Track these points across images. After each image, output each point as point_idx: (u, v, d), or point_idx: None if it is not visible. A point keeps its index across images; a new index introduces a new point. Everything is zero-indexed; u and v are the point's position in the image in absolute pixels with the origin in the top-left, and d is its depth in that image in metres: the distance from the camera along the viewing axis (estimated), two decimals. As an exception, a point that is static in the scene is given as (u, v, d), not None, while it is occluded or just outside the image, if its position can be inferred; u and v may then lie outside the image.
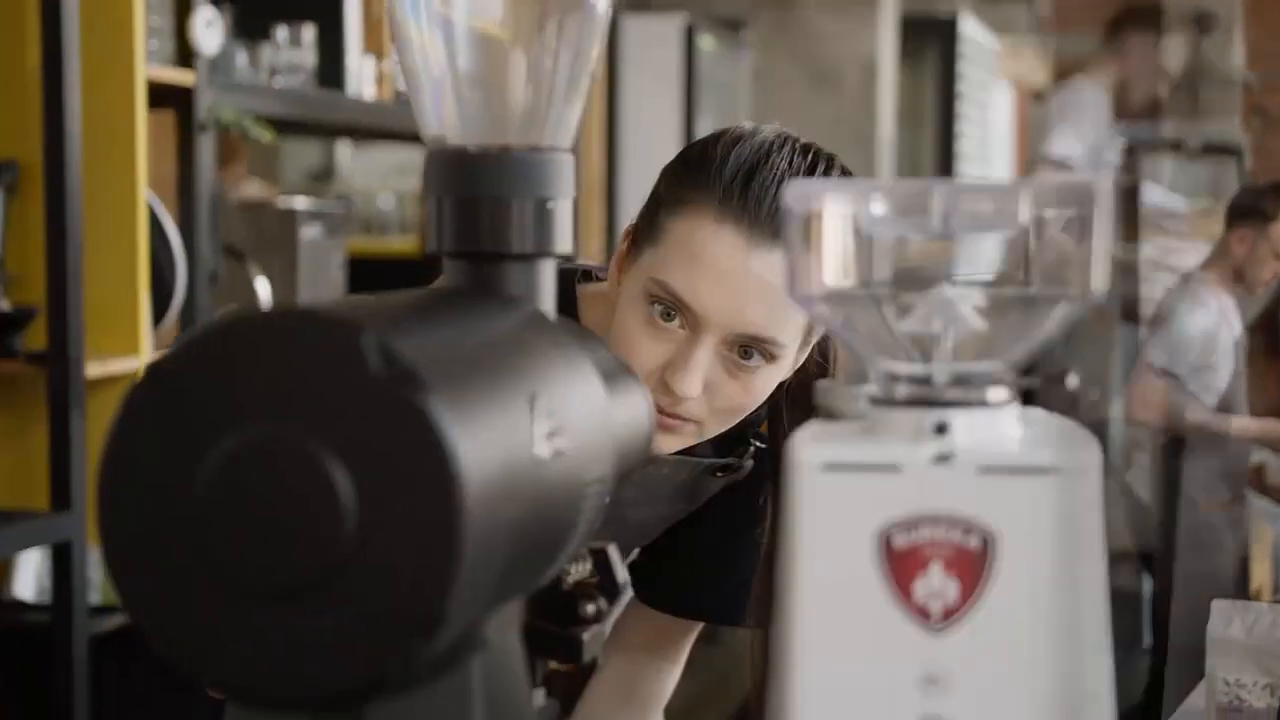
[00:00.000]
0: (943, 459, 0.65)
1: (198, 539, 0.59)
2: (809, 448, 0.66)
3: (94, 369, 2.40)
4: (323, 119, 3.32)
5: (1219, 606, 1.88)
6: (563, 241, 0.77)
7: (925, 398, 0.67)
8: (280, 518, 0.58)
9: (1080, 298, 0.65)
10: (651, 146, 4.53)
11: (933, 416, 0.66)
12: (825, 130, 5.63)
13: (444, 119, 0.77)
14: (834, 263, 0.68)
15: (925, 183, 0.67)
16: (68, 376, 2.30)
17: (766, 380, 1.26)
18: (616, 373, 0.81)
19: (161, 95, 2.66)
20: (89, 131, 2.40)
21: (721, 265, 1.21)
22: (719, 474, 1.40)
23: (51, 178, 2.32)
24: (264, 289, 2.97)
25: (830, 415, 0.74)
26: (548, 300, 0.77)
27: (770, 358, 1.24)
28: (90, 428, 2.38)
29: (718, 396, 1.25)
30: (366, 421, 0.58)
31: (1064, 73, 8.64)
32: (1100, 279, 0.64)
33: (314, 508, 0.58)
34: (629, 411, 0.81)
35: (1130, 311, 4.73)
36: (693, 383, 1.22)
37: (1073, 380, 3.37)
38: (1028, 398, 0.71)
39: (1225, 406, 4.38)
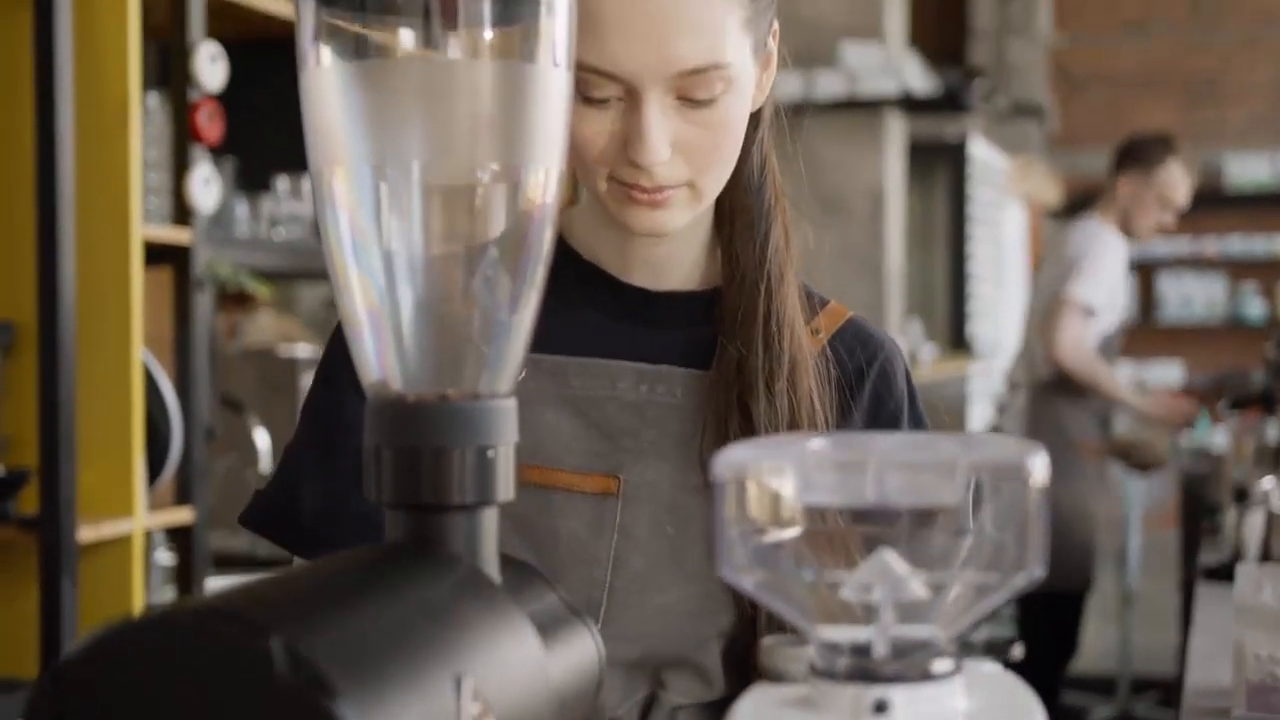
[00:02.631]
0: (881, 741, 0.63)
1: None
2: (744, 726, 0.64)
3: (87, 533, 2.39)
4: (322, 270, 3.33)
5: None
6: (505, 489, 0.75)
7: (865, 671, 0.65)
8: (185, 828, 0.56)
9: (1019, 576, 0.63)
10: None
11: (872, 694, 0.64)
12: (833, 259, 5.65)
13: (384, 366, 0.76)
14: (766, 531, 0.66)
15: (861, 452, 0.65)
16: (59, 544, 2.28)
17: (733, 110, 1.15)
18: (559, 620, 0.79)
19: (159, 252, 2.67)
20: (85, 292, 2.41)
21: (623, 17, 1.09)
22: None
23: (45, 341, 2.32)
24: (263, 440, 2.96)
25: (774, 676, 0.72)
26: (488, 549, 0.75)
27: (725, 84, 1.13)
28: (82, 594, 2.36)
29: (692, 149, 1.14)
30: (274, 728, 0.56)
31: (1074, 190, 8.70)
32: (1038, 557, 0.62)
33: (219, 819, 0.56)
34: (571, 659, 0.79)
35: (1122, 451, 4.71)
36: (654, 146, 1.11)
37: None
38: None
39: (1104, 354, 4.42)
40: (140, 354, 2.52)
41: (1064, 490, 4.09)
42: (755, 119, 1.24)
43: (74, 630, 2.34)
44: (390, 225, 0.74)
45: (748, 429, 1.21)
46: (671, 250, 1.26)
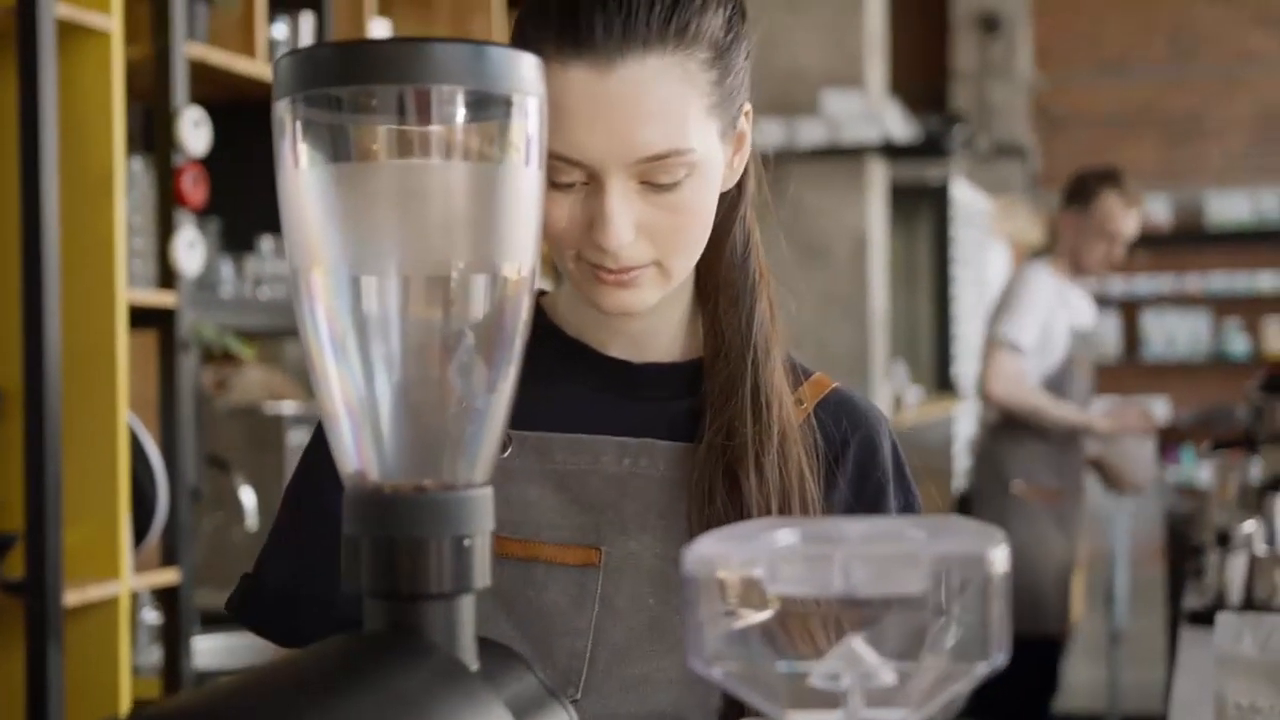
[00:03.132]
0: (850, 829, 0.64)
1: None
2: (716, 815, 0.65)
3: (73, 596, 2.39)
4: (307, 328, 3.34)
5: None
6: (481, 577, 0.77)
7: (834, 758, 0.66)
8: None
9: (982, 664, 0.65)
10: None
11: (841, 781, 0.65)
12: (817, 304, 5.68)
13: (362, 457, 0.77)
14: (737, 621, 0.68)
15: (828, 545, 0.67)
16: (45, 609, 2.29)
17: (698, 194, 1.16)
18: (536, 702, 0.80)
19: (144, 316, 2.68)
20: (70, 357, 2.42)
21: (584, 106, 1.11)
22: None
23: (31, 405, 2.33)
24: (249, 499, 2.97)
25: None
26: (466, 636, 0.76)
27: (688, 169, 1.14)
28: (69, 656, 2.36)
29: (655, 231, 1.15)
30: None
31: (1057, 229, 8.76)
32: (1001, 644, 0.64)
33: None
34: (552, 742, 0.80)
35: (1099, 469, 4.73)
36: (618, 230, 1.13)
37: None
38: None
39: (1054, 392, 4.44)
40: (126, 417, 2.53)
41: (1010, 535, 4.09)
42: (738, 194, 1.25)
43: (61, 697, 2.34)
44: (367, 323, 0.76)
45: (736, 500, 1.21)
46: (651, 323, 1.27)
